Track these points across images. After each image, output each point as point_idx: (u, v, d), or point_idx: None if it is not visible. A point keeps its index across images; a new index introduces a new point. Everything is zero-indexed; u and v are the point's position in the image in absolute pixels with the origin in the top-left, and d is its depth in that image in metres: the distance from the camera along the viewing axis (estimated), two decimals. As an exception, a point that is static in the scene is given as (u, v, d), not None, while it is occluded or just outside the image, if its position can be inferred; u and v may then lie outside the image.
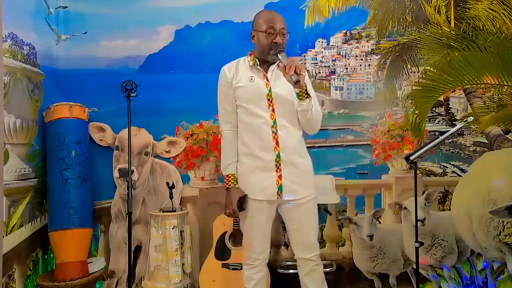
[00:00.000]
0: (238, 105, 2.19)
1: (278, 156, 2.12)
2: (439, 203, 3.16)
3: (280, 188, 2.13)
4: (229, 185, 2.19)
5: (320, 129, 2.27)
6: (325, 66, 3.28)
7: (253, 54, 2.22)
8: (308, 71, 3.22)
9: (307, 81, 2.17)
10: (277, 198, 2.15)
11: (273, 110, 2.13)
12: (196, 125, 3.16)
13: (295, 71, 1.95)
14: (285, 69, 1.98)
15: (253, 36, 2.20)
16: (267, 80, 2.16)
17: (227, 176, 2.21)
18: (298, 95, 2.04)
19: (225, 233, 2.82)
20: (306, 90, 2.03)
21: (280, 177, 2.13)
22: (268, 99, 2.14)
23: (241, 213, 2.22)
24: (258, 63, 2.18)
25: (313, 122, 2.16)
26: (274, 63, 2.18)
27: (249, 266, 2.23)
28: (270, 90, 2.14)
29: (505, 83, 2.95)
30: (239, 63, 2.23)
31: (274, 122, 2.12)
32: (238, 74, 2.19)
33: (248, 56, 2.24)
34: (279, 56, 2.06)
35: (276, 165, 2.12)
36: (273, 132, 2.12)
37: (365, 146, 3.19)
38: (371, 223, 2.84)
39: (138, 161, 3.04)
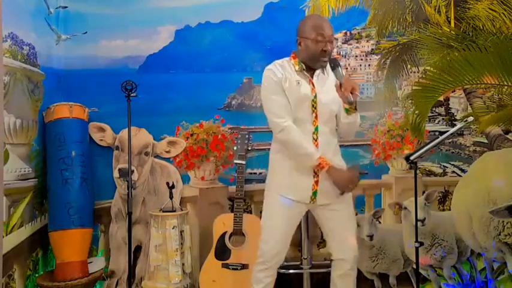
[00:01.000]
0: None
1: None
2: (439, 203, 3.16)
3: (315, 193, 2.13)
4: (328, 164, 2.06)
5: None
6: (325, 66, 3.28)
7: (297, 57, 2.17)
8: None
9: None
10: (310, 202, 2.14)
11: (315, 117, 2.12)
12: (196, 125, 3.15)
13: (350, 91, 1.94)
14: (341, 87, 1.96)
15: (300, 42, 2.14)
16: (313, 86, 2.14)
17: (321, 159, 2.05)
18: (346, 110, 2.03)
19: (225, 233, 2.82)
20: (355, 106, 2.02)
21: (316, 182, 2.12)
22: (313, 105, 2.12)
23: (265, 211, 2.21)
24: (304, 67, 2.14)
25: (353, 131, 2.23)
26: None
27: (263, 267, 2.19)
28: (315, 97, 2.12)
29: (505, 83, 2.95)
30: (284, 65, 2.17)
31: (316, 129, 2.12)
32: (286, 75, 2.13)
33: (291, 58, 2.19)
34: (335, 71, 2.03)
35: (314, 170, 2.11)
36: (314, 139, 2.11)
37: (365, 146, 3.19)
38: (371, 223, 2.84)
39: (138, 161, 3.04)
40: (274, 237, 2.18)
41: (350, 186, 2.08)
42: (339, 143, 2.28)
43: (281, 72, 2.14)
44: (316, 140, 2.11)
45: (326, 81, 2.17)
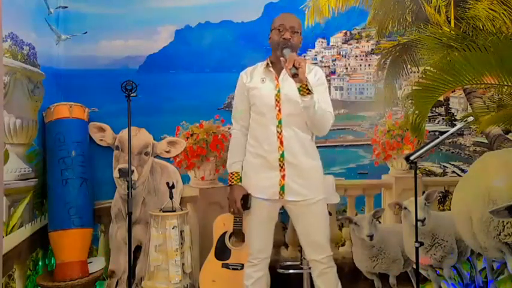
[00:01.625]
0: (251, 105, 2.25)
1: (282, 155, 2.13)
2: (439, 203, 3.16)
3: (282, 188, 2.14)
4: (232, 182, 2.25)
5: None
6: (325, 66, 3.28)
7: (269, 57, 2.28)
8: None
9: (323, 83, 2.22)
10: (279, 198, 2.15)
11: (279, 110, 2.16)
12: (196, 125, 3.15)
13: (293, 65, 1.93)
14: (286, 63, 1.99)
15: (270, 37, 2.25)
16: (277, 81, 2.20)
17: (231, 173, 2.27)
18: (299, 90, 2.00)
19: (225, 233, 2.82)
20: (306, 85, 1.98)
21: (283, 177, 2.14)
22: (276, 100, 2.17)
23: (245, 211, 2.24)
24: (271, 65, 2.24)
25: (317, 121, 2.10)
26: None
27: (250, 264, 2.26)
28: (278, 91, 2.18)
29: (505, 83, 2.95)
30: (256, 67, 2.32)
31: (280, 122, 2.15)
32: (253, 76, 2.27)
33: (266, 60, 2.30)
34: (283, 51, 2.07)
35: (279, 164, 2.14)
36: (278, 132, 2.14)
37: (365, 146, 3.19)
38: (371, 223, 2.85)
39: (138, 161, 3.04)
40: (254, 235, 2.25)
41: (231, 209, 2.24)
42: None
43: (248, 75, 2.29)
44: (280, 134, 2.14)
45: None
